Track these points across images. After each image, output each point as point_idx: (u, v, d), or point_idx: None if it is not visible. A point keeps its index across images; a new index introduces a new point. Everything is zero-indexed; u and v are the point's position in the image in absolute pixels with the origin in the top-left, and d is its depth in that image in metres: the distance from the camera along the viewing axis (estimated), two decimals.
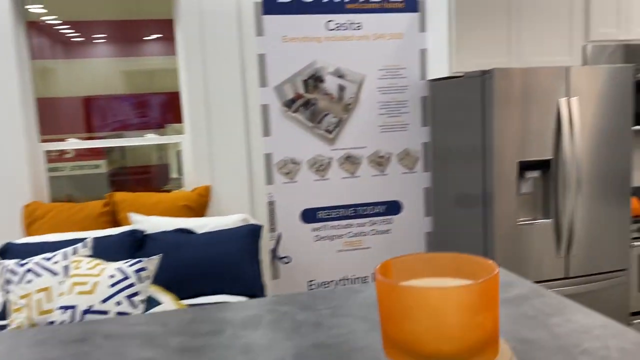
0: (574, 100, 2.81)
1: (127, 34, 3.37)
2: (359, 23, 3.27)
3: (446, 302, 0.50)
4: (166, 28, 3.34)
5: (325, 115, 3.29)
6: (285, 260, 3.31)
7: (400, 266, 0.61)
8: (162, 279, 2.56)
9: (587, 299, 2.97)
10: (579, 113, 2.83)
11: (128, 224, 3.02)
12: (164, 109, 3.44)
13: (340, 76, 3.29)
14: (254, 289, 2.63)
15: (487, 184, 2.83)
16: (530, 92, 2.77)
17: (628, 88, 2.92)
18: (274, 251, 3.29)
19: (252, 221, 2.99)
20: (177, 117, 3.34)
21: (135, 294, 2.22)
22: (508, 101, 2.74)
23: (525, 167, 2.82)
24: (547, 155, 2.83)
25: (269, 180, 3.24)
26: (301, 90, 3.24)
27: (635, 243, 3.15)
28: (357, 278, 3.44)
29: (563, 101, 2.80)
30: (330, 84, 3.27)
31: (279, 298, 1.41)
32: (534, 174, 2.86)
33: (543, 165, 2.85)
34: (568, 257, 2.92)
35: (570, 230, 2.88)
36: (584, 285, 2.95)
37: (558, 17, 3.19)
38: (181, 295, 2.59)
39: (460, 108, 3.04)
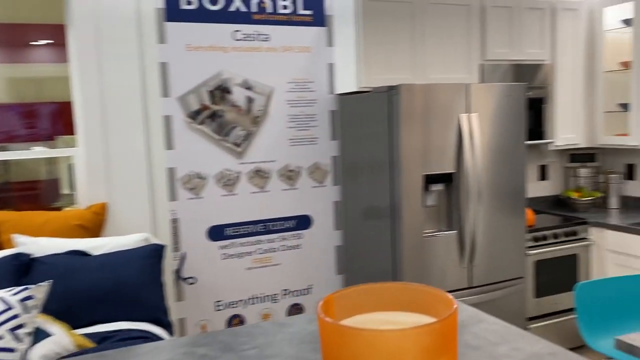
0: (474, 116, 2.93)
1: (13, 39, 3.07)
2: (266, 34, 3.21)
3: (404, 345, 0.44)
4: (57, 33, 3.07)
5: (233, 127, 3.18)
6: (190, 280, 3.14)
7: (344, 301, 0.55)
8: (53, 308, 2.31)
9: (489, 307, 3.09)
10: (479, 128, 2.95)
11: (12, 246, 2.71)
12: (54, 120, 3.15)
13: (248, 88, 3.20)
14: (157, 314, 2.45)
15: (394, 196, 2.86)
16: (434, 108, 2.85)
17: (521, 105, 3.09)
18: (177, 272, 3.11)
19: (154, 240, 2.80)
20: (68, 129, 3.07)
21: (20, 326, 1.97)
22: (413, 116, 2.80)
23: (430, 180, 2.89)
24: (450, 168, 2.92)
25: (173, 196, 3.07)
26: (207, 102, 3.11)
27: (530, 252, 3.33)
28: (267, 296, 3.34)
29: (464, 116, 2.91)
30: (238, 95, 3.18)
31: (196, 338, 1.28)
32: (439, 186, 2.94)
33: (446, 179, 2.94)
34: (471, 267, 3.02)
35: (472, 241, 2.98)
36: (486, 294, 3.06)
37: (457, 38, 3.34)
38: (75, 325, 2.35)
39: (368, 122, 3.06)
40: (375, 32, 3.11)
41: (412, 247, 2.86)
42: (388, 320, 0.53)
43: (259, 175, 3.26)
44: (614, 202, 3.86)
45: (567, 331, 3.49)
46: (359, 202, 3.24)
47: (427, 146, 2.85)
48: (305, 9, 3.30)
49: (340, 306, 0.54)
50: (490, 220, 3.04)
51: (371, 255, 3.14)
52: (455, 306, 0.50)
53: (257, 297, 3.31)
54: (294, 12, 3.27)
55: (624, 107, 3.62)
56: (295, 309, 3.42)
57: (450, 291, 2.98)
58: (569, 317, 3.49)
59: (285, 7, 3.24)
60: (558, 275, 3.44)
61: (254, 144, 3.23)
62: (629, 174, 3.90)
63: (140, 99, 2.96)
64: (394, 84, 2.83)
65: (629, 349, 1.68)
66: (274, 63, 3.24)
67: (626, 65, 3.60)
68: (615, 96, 3.73)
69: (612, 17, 3.68)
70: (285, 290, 3.38)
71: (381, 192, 2.98)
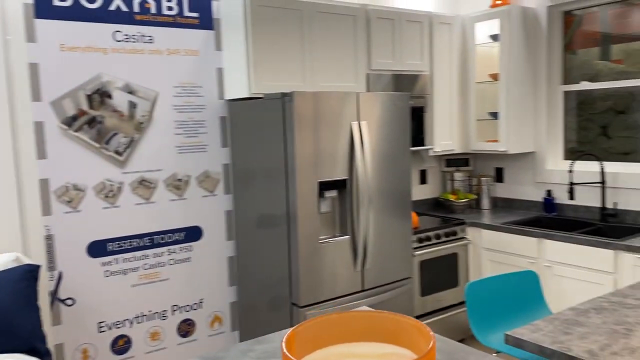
0: (364, 124, 3.01)
1: None
2: (150, 36, 3.03)
3: None
4: None
5: (114, 134, 2.96)
6: (68, 302, 2.86)
7: (306, 335, 0.50)
8: None
9: (380, 308, 3.18)
10: (369, 135, 3.03)
11: None
12: None
13: (131, 92, 3.00)
14: (33, 343, 2.19)
15: (290, 204, 2.84)
16: (327, 115, 2.87)
17: (406, 113, 3.23)
18: (53, 293, 2.81)
19: (27, 260, 2.50)
20: None
21: None
22: (307, 123, 2.81)
23: (324, 186, 2.91)
24: (343, 175, 2.96)
25: (46, 210, 2.77)
26: (84, 107, 2.86)
27: (416, 252, 3.49)
28: (155, 313, 3.14)
29: (355, 124, 2.98)
30: (119, 100, 2.96)
31: None
32: (332, 193, 2.97)
33: (340, 185, 2.98)
34: (363, 271, 3.09)
35: (364, 245, 3.05)
36: (377, 296, 3.14)
37: (345, 47, 3.41)
38: None
39: (261, 129, 3.01)
40: (265, 37, 3.07)
41: (308, 254, 2.86)
42: (351, 353, 0.49)
43: (144, 186, 3.06)
44: (486, 203, 4.18)
45: (451, 326, 3.71)
46: (252, 210, 3.17)
47: (320, 153, 2.86)
48: (191, 11, 3.17)
49: (301, 341, 0.49)
50: (380, 224, 3.13)
51: (266, 264, 3.08)
52: (433, 340, 0.48)
53: (144, 315, 3.10)
54: (180, 14, 3.13)
55: (494, 115, 3.94)
56: (186, 325, 3.26)
57: (344, 295, 3.02)
58: (453, 312, 3.70)
59: (170, 8, 3.09)
60: (441, 273, 3.64)
61: (137, 151, 3.03)
62: (499, 177, 4.26)
63: (6, 103, 2.64)
64: (286, 91, 2.81)
65: (517, 342, 1.80)
66: (158, 66, 3.07)
67: (495, 77, 3.92)
68: (486, 105, 4.04)
69: (482, 32, 3.99)
70: (175, 306, 3.21)
71: (276, 200, 2.94)
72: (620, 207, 3.53)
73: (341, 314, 0.52)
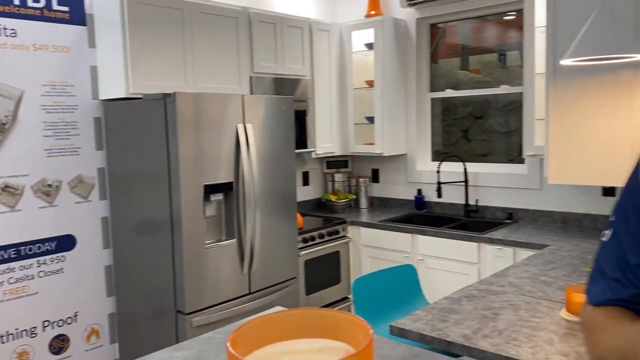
0: (249, 126, 3.02)
1: None
2: (13, 29, 2.77)
3: None
4: None
5: None
6: None
7: (246, 336, 0.50)
8: None
9: (266, 310, 3.21)
10: (254, 138, 3.05)
11: None
12: None
13: None
14: None
15: (174, 208, 2.76)
16: (211, 117, 2.84)
17: (291, 116, 3.30)
18: None
19: None
20: None
21: None
22: (191, 125, 2.75)
23: (209, 190, 2.87)
24: (229, 177, 2.95)
25: None
26: None
27: (301, 252, 3.57)
28: (23, 331, 2.87)
29: (240, 126, 2.97)
30: None
31: None
32: (218, 196, 2.94)
33: (225, 188, 2.96)
34: (250, 274, 3.09)
35: (251, 248, 3.06)
36: (264, 298, 3.17)
37: (228, 48, 3.39)
38: None
39: (141, 131, 2.89)
40: (144, 36, 2.95)
41: (194, 259, 2.80)
42: (289, 350, 0.51)
43: (8, 192, 2.79)
44: (364, 203, 4.40)
45: None
46: (132, 216, 3.03)
47: (205, 155, 2.82)
48: (60, 4, 2.95)
49: (242, 342, 0.50)
50: (266, 226, 3.16)
51: (148, 272, 2.96)
52: (370, 331, 0.51)
53: (10, 334, 2.83)
54: (48, 7, 2.91)
55: (370, 120, 4.16)
56: (59, 341, 3.02)
57: (231, 300, 3.00)
58: (336, 308, 3.84)
59: (36, 0, 2.85)
60: (324, 271, 3.76)
61: (0, 155, 2.76)
62: (375, 178, 4.50)
63: None
64: (168, 92, 2.73)
65: (401, 332, 1.93)
66: (23, 62, 2.82)
67: (370, 84, 4.13)
68: (363, 110, 4.25)
69: (359, 40, 4.18)
70: (46, 321, 2.97)
71: (158, 205, 2.84)
72: (480, 203, 3.91)
73: (278, 312, 0.54)
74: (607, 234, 0.87)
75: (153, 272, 2.93)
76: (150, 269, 2.94)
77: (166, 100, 2.72)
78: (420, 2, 3.91)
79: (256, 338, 0.51)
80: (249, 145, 3.00)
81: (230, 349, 0.46)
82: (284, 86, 3.75)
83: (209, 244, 2.89)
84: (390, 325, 1.94)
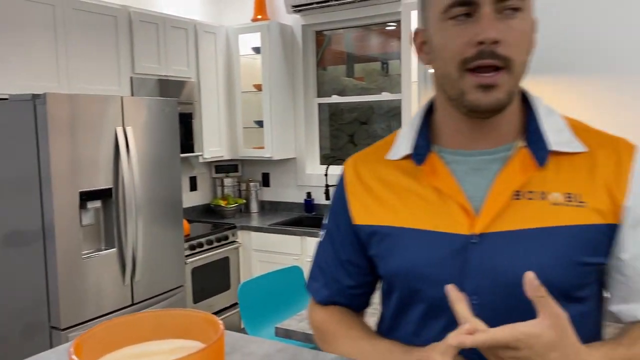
0: (129, 129, 2.89)
1: None
2: None
3: None
4: None
5: None
6: None
7: (94, 341, 0.47)
8: None
9: None
10: (135, 141, 2.92)
11: None
12: None
13: None
14: None
15: (46, 217, 2.57)
16: (87, 120, 2.68)
17: (175, 119, 3.21)
18: None
19: None
20: None
21: None
22: (64, 128, 2.58)
23: (86, 197, 2.70)
24: (108, 183, 2.80)
25: None
26: None
27: (188, 260, 3.47)
28: None
29: (119, 130, 2.84)
30: None
31: None
32: (96, 203, 2.78)
33: (104, 194, 2.80)
34: (133, 284, 2.96)
35: (133, 257, 2.93)
36: (149, 308, 3.04)
37: (106, 48, 3.22)
38: None
39: (6, 134, 2.66)
40: (11, 33, 2.72)
41: (69, 271, 2.62)
42: (141, 352, 0.49)
43: None
44: (254, 207, 4.38)
45: (225, 328, 3.77)
46: None
47: (81, 160, 2.65)
48: None
49: (89, 348, 0.47)
50: (150, 234, 3.04)
51: (17, 287, 2.72)
52: (221, 327, 0.51)
53: None
54: None
55: (259, 124, 4.16)
56: None
57: (112, 312, 2.85)
58: (226, 315, 3.78)
59: None
60: (213, 278, 3.68)
61: None
62: (265, 182, 4.50)
63: None
64: (38, 92, 2.54)
65: (286, 333, 1.95)
66: None
67: (259, 87, 4.13)
68: (252, 114, 4.24)
69: (246, 43, 4.17)
70: None
71: (28, 214, 2.62)
72: None
73: (128, 316, 0.52)
74: (322, 234, 1.03)
75: (24, 287, 2.69)
76: (21, 283, 2.71)
77: (35, 101, 2.53)
78: (305, 9, 3.99)
79: (106, 343, 0.49)
80: (129, 149, 2.87)
81: (73, 355, 0.43)
82: (169, 88, 3.64)
83: (87, 254, 2.72)
84: (276, 327, 1.95)
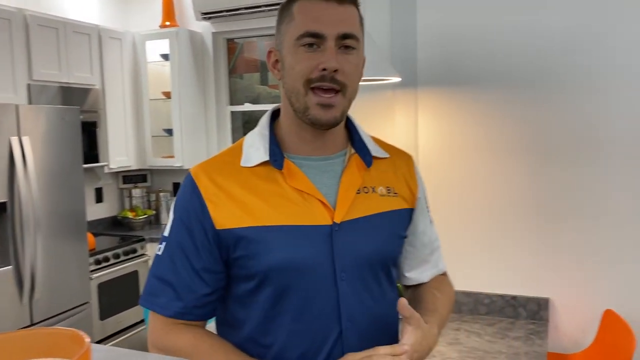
0: (26, 139, 2.73)
1: None
2: None
3: None
4: None
5: None
6: None
7: None
8: None
9: None
10: (32, 152, 2.76)
11: None
12: None
13: None
14: None
15: None
16: None
17: (76, 128, 3.06)
18: None
19: None
20: None
21: None
22: None
23: None
24: (2, 197, 2.62)
25: None
26: None
27: (94, 275, 3.32)
28: None
29: (14, 140, 2.67)
30: None
31: None
32: None
33: None
34: (32, 303, 2.79)
35: (32, 274, 2.76)
36: (51, 327, 2.88)
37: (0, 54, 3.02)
38: None
39: None
40: None
41: None
42: None
43: None
44: (165, 218, 4.26)
45: (133, 344, 3.64)
46: None
47: None
48: None
49: None
50: (50, 249, 2.88)
51: None
52: (86, 341, 0.50)
53: None
54: None
55: (169, 132, 4.06)
56: None
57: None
58: (136, 331, 3.64)
59: None
60: (121, 294, 3.54)
61: None
62: (176, 192, 4.39)
63: None
64: None
65: None
66: None
67: (168, 95, 4.04)
68: (161, 122, 4.13)
69: (154, 50, 4.07)
70: None
71: None
72: None
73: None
74: (161, 247, 1.02)
75: None
76: None
77: None
78: (215, 17, 3.96)
79: None
80: (25, 161, 2.71)
81: None
82: (72, 96, 3.47)
83: None
84: None
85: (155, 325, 1.02)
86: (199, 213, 0.98)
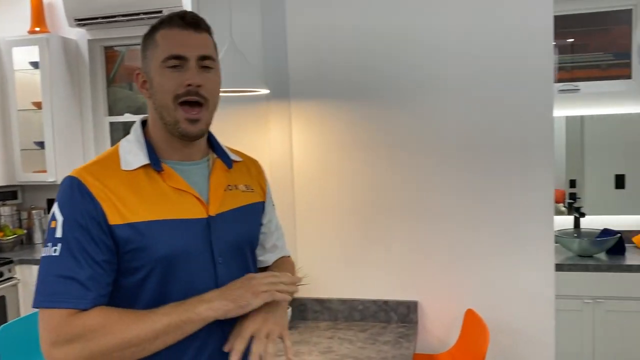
0: None
1: None
2: None
3: None
4: None
5: None
6: None
7: None
8: None
9: None
10: None
11: None
12: None
13: None
14: None
15: None
16: None
17: None
18: None
19: None
20: None
21: None
22: None
23: None
24: None
25: None
26: None
27: None
28: None
29: None
30: None
31: None
32: None
33: None
34: None
35: None
36: None
37: None
38: None
39: None
40: None
41: None
42: None
43: None
44: (38, 238, 3.96)
45: None
46: None
47: None
48: None
49: None
50: None
51: None
52: None
53: None
54: None
55: (40, 145, 3.78)
56: None
57: None
58: None
59: None
60: None
61: None
62: (50, 208, 4.09)
63: None
64: None
65: None
66: None
67: (38, 105, 3.77)
68: (32, 134, 3.84)
69: (22, 57, 3.78)
70: None
71: None
72: None
73: None
74: (57, 247, 1.05)
75: None
76: None
77: None
78: (90, 24, 3.75)
79: None
80: None
81: None
82: None
83: None
84: None
85: (54, 322, 1.02)
86: (91, 210, 1.07)
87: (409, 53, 2.20)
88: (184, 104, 1.13)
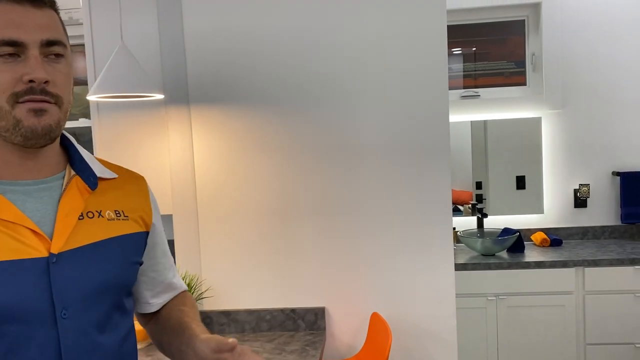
0: None
1: None
2: None
3: None
4: None
5: None
6: None
7: None
8: None
9: None
10: None
11: None
12: None
13: None
14: None
15: None
16: None
17: None
18: None
19: None
20: None
21: None
22: None
23: None
24: None
25: None
26: None
27: None
28: None
29: None
30: None
31: None
32: None
33: None
34: None
35: None
36: None
37: None
38: None
39: None
40: None
41: None
42: None
43: None
44: None
45: None
46: None
47: None
48: None
49: None
50: None
51: None
52: None
53: None
54: None
55: None
56: None
57: None
58: None
59: None
60: None
61: None
62: None
63: None
64: None
65: None
66: None
67: None
68: None
69: None
70: None
71: None
72: None
73: None
74: None
75: None
76: None
77: None
78: None
79: None
80: None
81: None
82: None
83: None
84: None
85: None
86: None
87: (307, 57, 2.20)
88: (26, 101, 0.87)
